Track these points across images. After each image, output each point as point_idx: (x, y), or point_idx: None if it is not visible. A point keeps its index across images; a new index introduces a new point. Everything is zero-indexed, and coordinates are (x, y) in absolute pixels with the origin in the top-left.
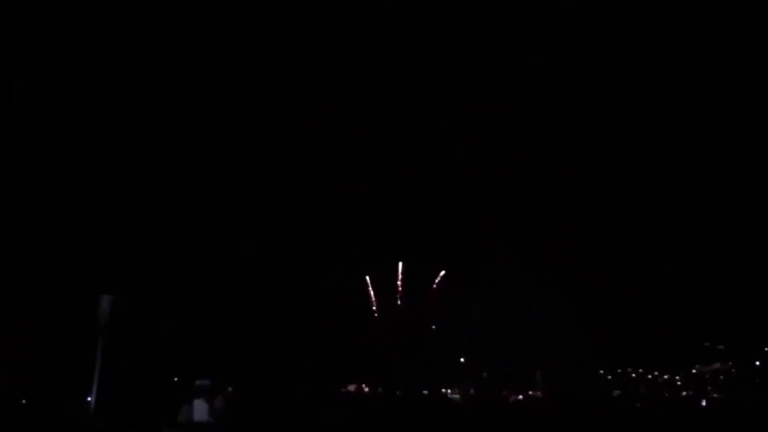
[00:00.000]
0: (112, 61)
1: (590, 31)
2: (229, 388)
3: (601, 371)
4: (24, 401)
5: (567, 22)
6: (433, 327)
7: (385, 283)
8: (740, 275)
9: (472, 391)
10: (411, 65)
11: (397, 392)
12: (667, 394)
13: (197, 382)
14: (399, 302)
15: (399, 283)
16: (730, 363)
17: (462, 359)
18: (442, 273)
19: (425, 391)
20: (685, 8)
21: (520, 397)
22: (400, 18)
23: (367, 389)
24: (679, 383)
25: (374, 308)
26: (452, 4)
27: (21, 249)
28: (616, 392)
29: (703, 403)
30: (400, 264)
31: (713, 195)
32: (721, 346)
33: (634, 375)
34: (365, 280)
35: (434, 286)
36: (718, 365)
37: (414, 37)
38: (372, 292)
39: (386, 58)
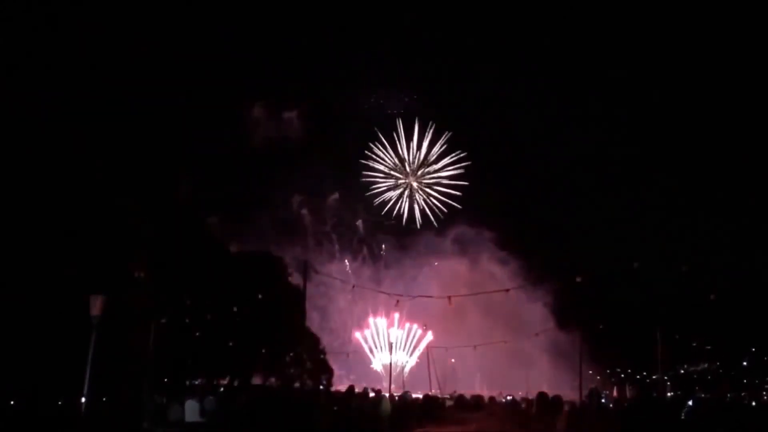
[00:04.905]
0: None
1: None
2: (221, 389)
3: (590, 371)
4: (12, 402)
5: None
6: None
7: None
8: (728, 275)
9: (461, 392)
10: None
11: (390, 393)
12: (655, 394)
13: (188, 383)
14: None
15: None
16: (717, 363)
17: (452, 359)
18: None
19: (420, 393)
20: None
21: (509, 397)
22: None
23: (359, 390)
24: (668, 383)
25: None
26: None
27: (10, 248)
28: (605, 393)
29: (690, 403)
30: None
31: (703, 194)
32: (708, 346)
33: (623, 375)
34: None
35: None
36: (705, 365)
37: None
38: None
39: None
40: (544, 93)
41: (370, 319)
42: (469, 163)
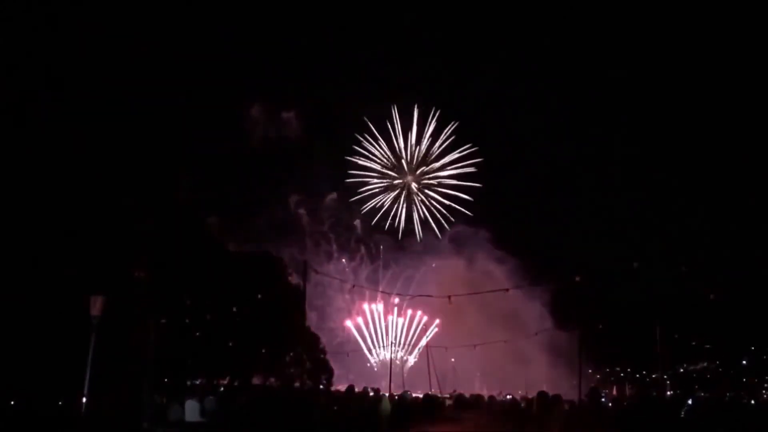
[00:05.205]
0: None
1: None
2: (221, 389)
3: (590, 371)
4: (12, 402)
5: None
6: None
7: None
8: (728, 275)
9: (461, 391)
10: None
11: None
12: (654, 393)
13: (188, 383)
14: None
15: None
16: (717, 362)
17: (452, 359)
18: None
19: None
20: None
21: (509, 396)
22: None
23: (358, 389)
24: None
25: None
26: None
27: (10, 248)
28: (604, 392)
29: (689, 402)
30: None
31: (703, 194)
32: (708, 346)
33: (622, 374)
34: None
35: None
36: (705, 364)
37: None
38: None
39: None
40: (544, 93)
41: (365, 306)
42: (480, 159)
